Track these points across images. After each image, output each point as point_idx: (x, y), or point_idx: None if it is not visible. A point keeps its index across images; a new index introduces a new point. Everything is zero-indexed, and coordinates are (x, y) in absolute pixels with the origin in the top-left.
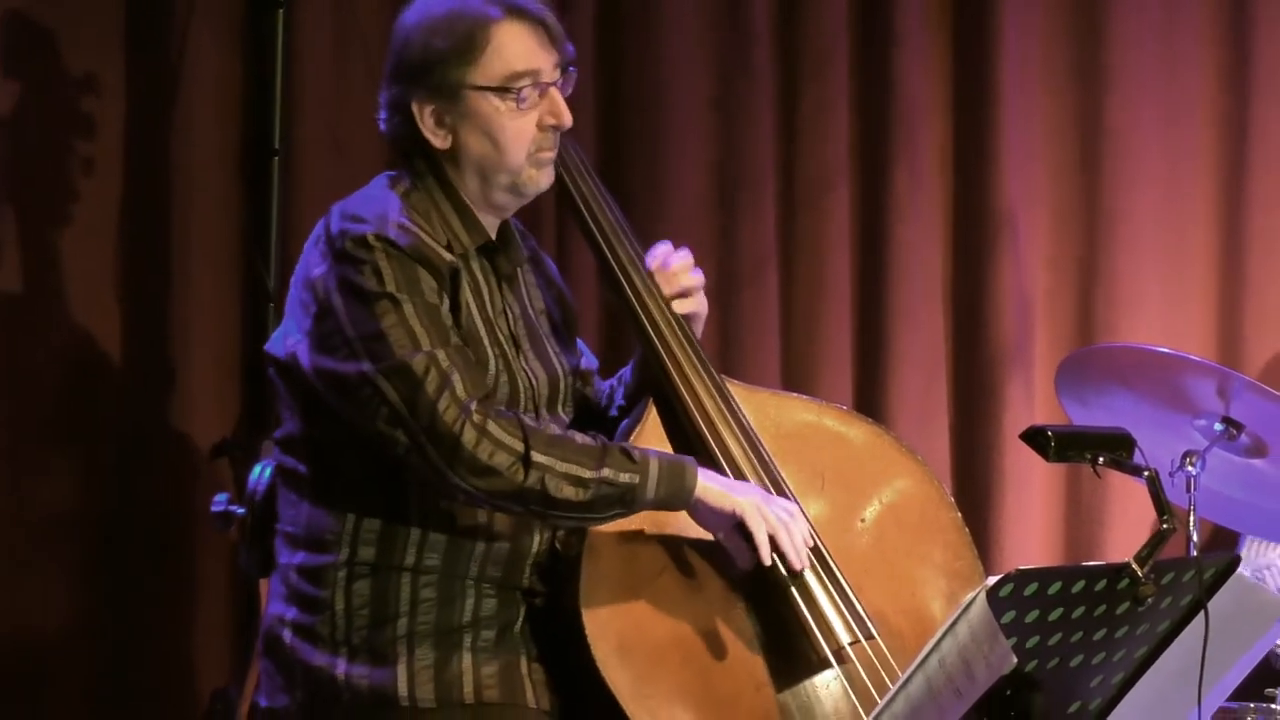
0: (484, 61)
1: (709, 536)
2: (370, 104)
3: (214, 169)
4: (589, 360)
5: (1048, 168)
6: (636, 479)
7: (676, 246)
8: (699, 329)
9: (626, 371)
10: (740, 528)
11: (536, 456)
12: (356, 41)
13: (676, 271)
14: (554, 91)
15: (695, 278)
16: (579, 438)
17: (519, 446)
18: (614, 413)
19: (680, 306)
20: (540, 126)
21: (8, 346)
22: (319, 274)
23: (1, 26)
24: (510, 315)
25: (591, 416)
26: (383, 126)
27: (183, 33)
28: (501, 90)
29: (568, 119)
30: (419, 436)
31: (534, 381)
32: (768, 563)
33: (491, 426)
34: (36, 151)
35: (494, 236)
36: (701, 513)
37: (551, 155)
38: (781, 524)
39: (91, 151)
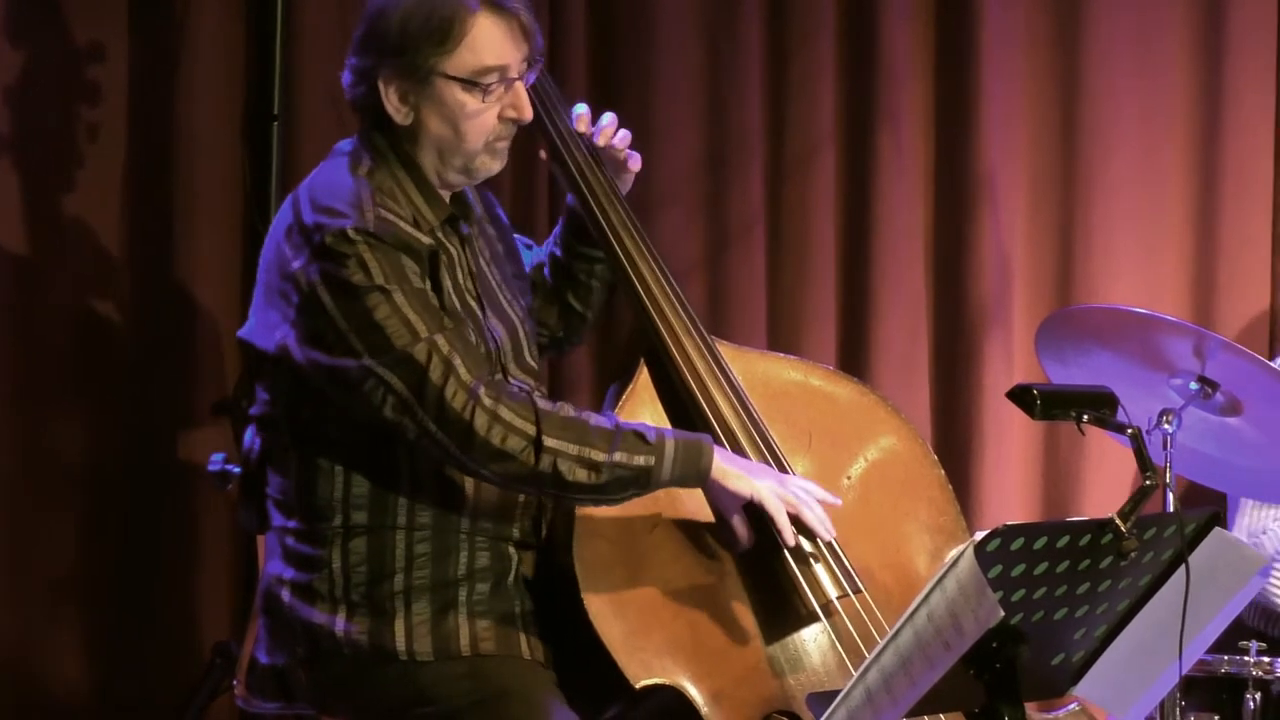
0: (457, 52)
1: (701, 495)
2: None
3: (216, 135)
4: (535, 256)
5: (1026, 133)
6: (652, 461)
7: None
8: (627, 186)
9: (556, 233)
10: (752, 507)
11: (548, 440)
12: (357, 8)
13: (607, 135)
14: (519, 85)
15: (622, 138)
16: (593, 420)
17: (530, 430)
18: (555, 254)
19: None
20: (501, 118)
21: (16, 308)
22: (298, 267)
23: None
24: (473, 278)
25: (551, 302)
26: (347, 92)
27: (185, 0)
28: (469, 83)
29: (528, 114)
30: (428, 424)
31: (499, 340)
32: (791, 544)
33: (503, 410)
34: (42, 118)
35: (450, 205)
36: (716, 493)
37: (507, 144)
38: (803, 501)
39: (96, 118)
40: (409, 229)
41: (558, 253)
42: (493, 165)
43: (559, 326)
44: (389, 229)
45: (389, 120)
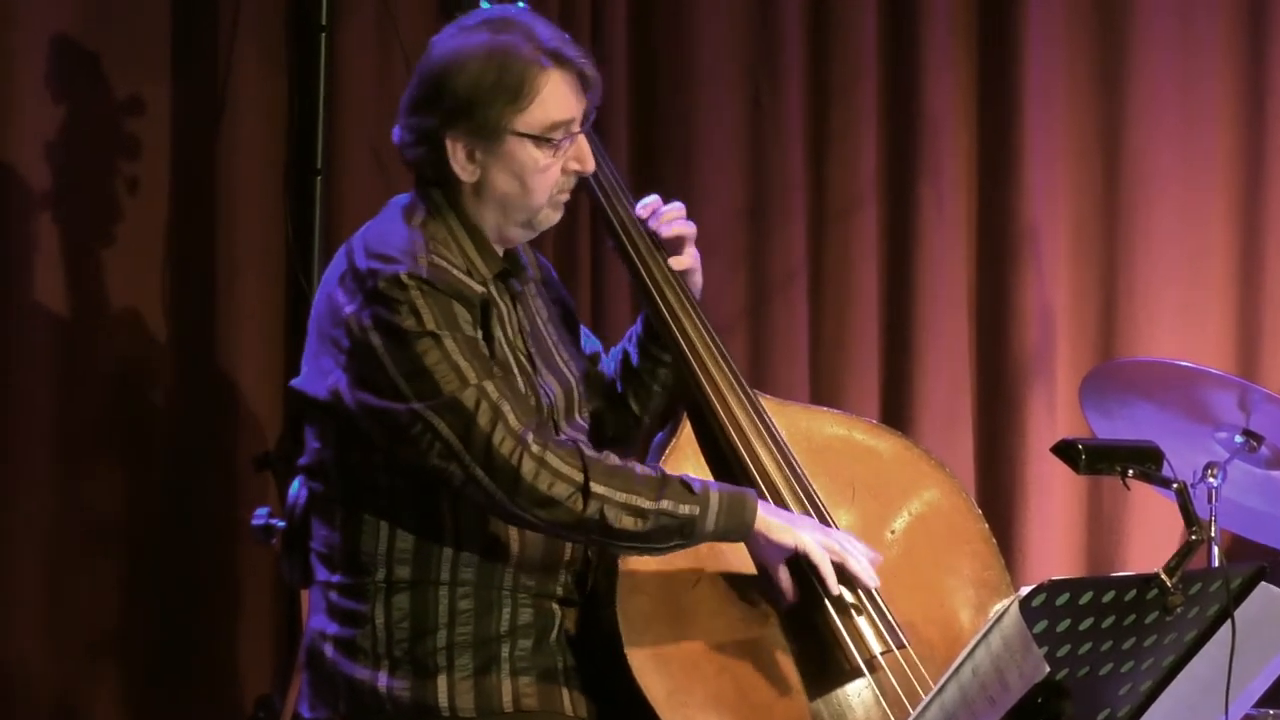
0: (529, 109)
1: (743, 548)
2: None
3: (258, 189)
4: (591, 345)
5: (1068, 184)
6: (697, 510)
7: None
8: (696, 285)
9: (632, 331)
10: (795, 560)
11: (596, 487)
12: (398, 63)
13: (669, 219)
14: (581, 137)
15: (686, 226)
16: (639, 468)
17: (578, 477)
18: (617, 379)
19: (676, 263)
20: (564, 171)
21: (58, 361)
22: (350, 312)
23: (49, 50)
24: (525, 335)
25: (609, 401)
26: (404, 152)
27: (227, 55)
28: (540, 139)
29: (591, 165)
30: (474, 469)
31: (552, 396)
32: (835, 593)
33: (550, 457)
34: (83, 172)
35: (503, 260)
36: (760, 545)
37: (567, 197)
38: (845, 550)
39: (137, 172)
40: (462, 276)
41: (632, 351)
42: (553, 217)
43: (610, 427)
44: (442, 276)
45: (450, 178)
